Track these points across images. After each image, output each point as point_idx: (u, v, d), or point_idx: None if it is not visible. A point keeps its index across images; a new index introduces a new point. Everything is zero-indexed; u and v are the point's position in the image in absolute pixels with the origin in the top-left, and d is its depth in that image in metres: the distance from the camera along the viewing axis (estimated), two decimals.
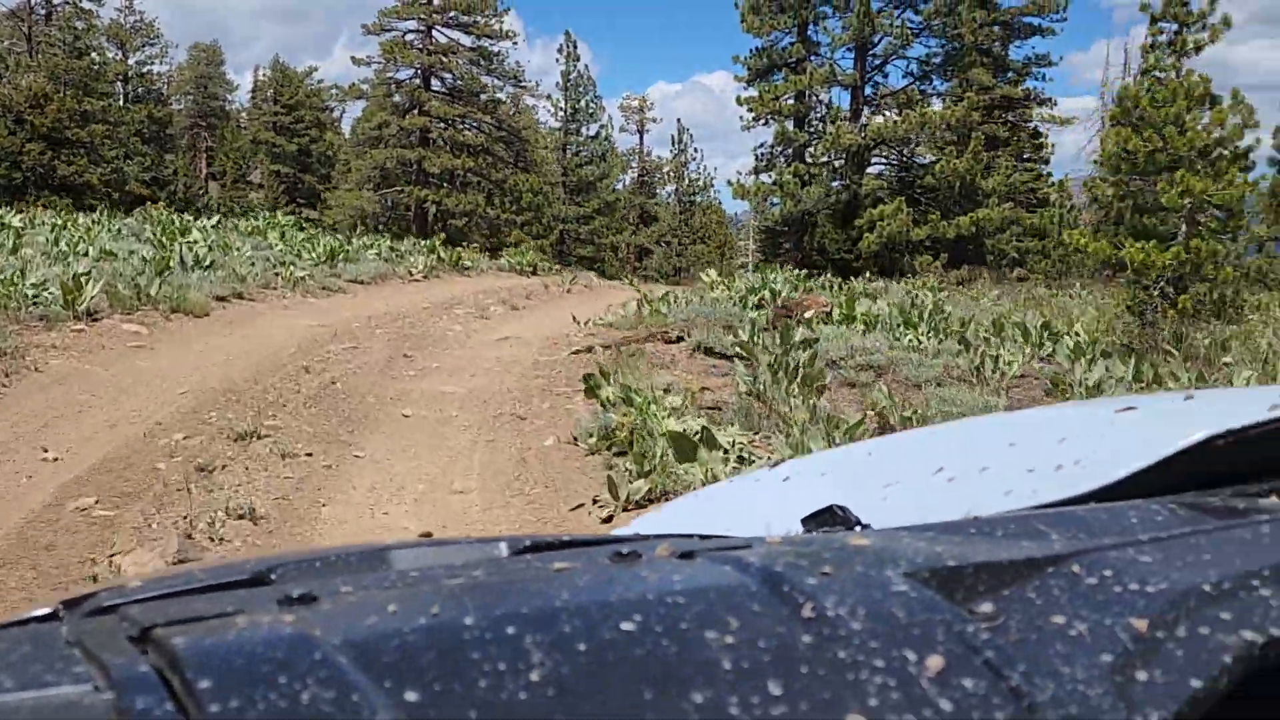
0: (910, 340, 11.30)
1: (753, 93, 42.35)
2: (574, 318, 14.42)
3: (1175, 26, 14.55)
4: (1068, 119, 44.32)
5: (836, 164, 41.94)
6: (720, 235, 55.15)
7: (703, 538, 0.73)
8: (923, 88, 42.91)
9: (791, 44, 42.21)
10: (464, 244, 37.60)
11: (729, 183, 43.08)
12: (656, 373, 9.85)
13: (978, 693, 0.49)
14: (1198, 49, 14.44)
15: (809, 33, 42.18)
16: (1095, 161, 42.43)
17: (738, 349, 10.63)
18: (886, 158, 42.84)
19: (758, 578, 0.58)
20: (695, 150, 53.58)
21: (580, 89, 51.15)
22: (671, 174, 55.61)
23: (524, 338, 13.32)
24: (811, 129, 42.21)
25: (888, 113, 42.09)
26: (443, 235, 31.87)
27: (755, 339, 10.67)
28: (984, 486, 1.06)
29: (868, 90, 42.52)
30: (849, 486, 1.28)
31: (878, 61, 42.49)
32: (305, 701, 0.45)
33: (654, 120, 59.08)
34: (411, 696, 0.46)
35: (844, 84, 41.93)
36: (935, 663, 0.49)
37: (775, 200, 42.18)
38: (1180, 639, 0.55)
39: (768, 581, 0.57)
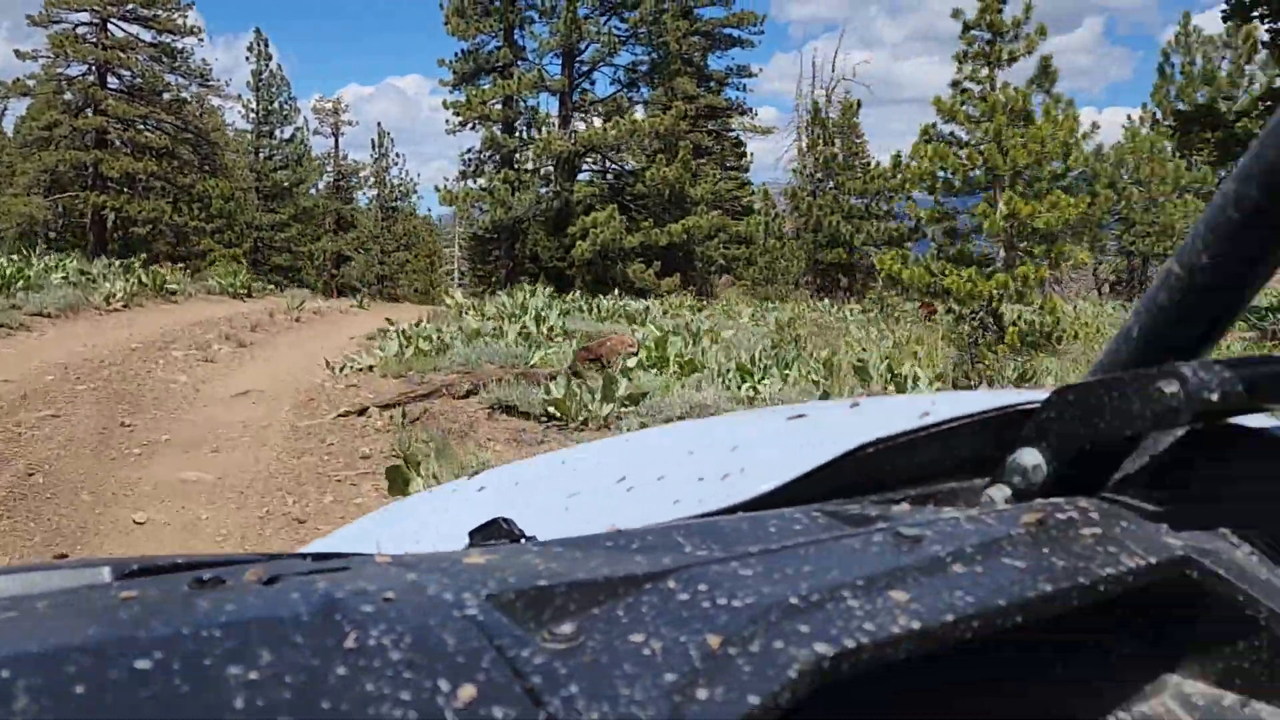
0: (747, 389, 9.62)
1: (460, 97, 40.28)
2: (326, 362, 11.93)
3: (989, 36, 13.53)
4: (768, 129, 44.64)
5: (547, 171, 40.50)
6: (429, 243, 52.64)
7: (317, 557, 0.68)
8: (630, 95, 42.07)
9: (498, 48, 40.39)
10: (150, 254, 33.81)
11: (436, 189, 40.79)
12: (461, 446, 7.78)
13: None
14: (1012, 60, 13.46)
15: (515, 37, 40.52)
16: (794, 170, 43.11)
17: (551, 408, 8.67)
18: (597, 165, 41.70)
19: (317, 605, 0.54)
20: (397, 155, 50.79)
21: (273, 90, 47.61)
22: (372, 178, 52.56)
23: (268, 390, 10.77)
24: (521, 135, 40.52)
25: (597, 120, 40.96)
26: (143, 256, 28.05)
27: (571, 395, 8.70)
28: (657, 495, 1.05)
29: (576, 97, 41.25)
30: (539, 497, 1.27)
31: (586, 68, 41.31)
32: None
33: (350, 123, 55.70)
34: None
35: (553, 90, 40.47)
36: (467, 692, 0.48)
37: (484, 207, 40.25)
38: (752, 654, 0.54)
39: (324, 610, 0.53)
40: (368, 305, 23.56)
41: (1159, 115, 34.05)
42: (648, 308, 19.99)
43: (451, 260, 54.11)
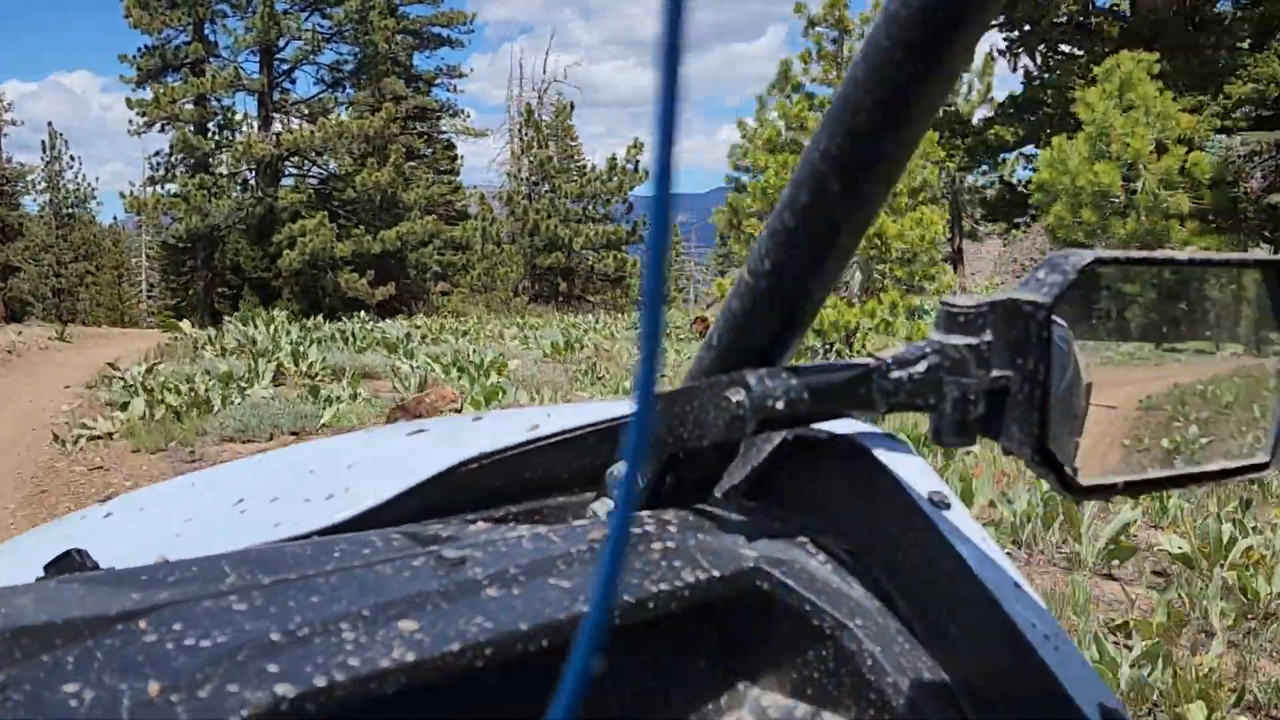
0: None
1: (145, 95, 36.38)
2: (54, 434, 9.30)
3: (836, 34, 12.34)
4: (482, 131, 42.87)
5: (248, 175, 37.22)
6: (115, 254, 47.59)
7: None
8: (336, 95, 39.29)
9: (188, 43, 36.81)
10: None
11: (122, 195, 36.66)
12: None
13: None
14: None
15: (207, 32, 37.01)
16: (508, 174, 41.52)
17: None
18: (303, 169, 38.68)
19: None
20: (71, 157, 45.59)
21: None
22: (43, 182, 47.02)
23: None
24: (217, 137, 37.04)
25: (301, 121, 37.98)
26: None
27: None
28: (263, 519, 0.97)
29: (276, 97, 38.12)
30: (160, 522, 1.17)
31: (286, 67, 38.33)
32: None
33: (12, 123, 49.75)
34: None
35: (250, 89, 37.27)
36: None
37: (177, 214, 36.53)
38: (197, 700, 0.49)
39: None
40: (70, 337, 20.17)
41: None
42: (409, 334, 17.87)
43: (140, 272, 49.32)
